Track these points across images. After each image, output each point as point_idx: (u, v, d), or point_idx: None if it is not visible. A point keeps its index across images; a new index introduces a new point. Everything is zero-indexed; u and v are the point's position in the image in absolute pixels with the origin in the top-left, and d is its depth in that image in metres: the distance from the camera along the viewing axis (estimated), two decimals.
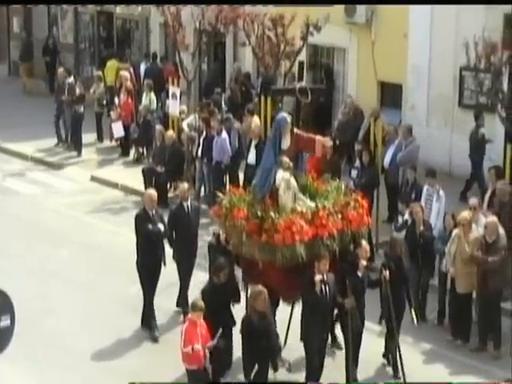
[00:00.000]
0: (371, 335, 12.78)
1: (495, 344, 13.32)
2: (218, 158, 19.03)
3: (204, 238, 14.99)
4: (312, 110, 22.19)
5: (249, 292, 12.12)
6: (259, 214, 12.03)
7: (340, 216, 12.24)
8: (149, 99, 22.71)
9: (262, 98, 20.75)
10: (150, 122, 21.87)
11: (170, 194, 20.03)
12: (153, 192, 14.25)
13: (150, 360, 13.29)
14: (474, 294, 13.65)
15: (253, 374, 11.27)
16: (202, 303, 11.59)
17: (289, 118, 12.70)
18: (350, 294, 12.02)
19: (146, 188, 20.13)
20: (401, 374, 12.44)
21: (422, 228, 14.11)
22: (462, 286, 13.54)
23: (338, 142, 19.22)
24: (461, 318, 13.39)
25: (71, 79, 23.61)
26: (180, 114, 20.92)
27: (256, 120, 20.29)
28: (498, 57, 15.00)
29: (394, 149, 18.00)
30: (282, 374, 11.94)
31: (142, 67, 25.76)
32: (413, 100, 20.86)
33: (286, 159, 12.38)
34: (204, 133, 19.37)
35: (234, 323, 12.30)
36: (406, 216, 14.99)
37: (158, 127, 20.73)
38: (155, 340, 13.76)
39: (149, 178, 20.11)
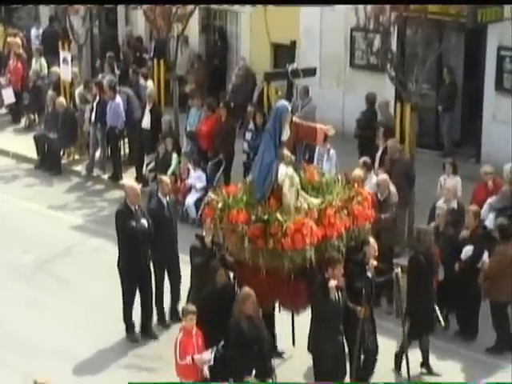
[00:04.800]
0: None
1: (388, 299, 13.60)
2: (112, 122, 18.81)
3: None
4: (206, 72, 22.17)
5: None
6: (264, 217, 10.78)
7: (346, 212, 11.21)
8: (39, 64, 22.25)
9: (156, 61, 20.58)
10: (40, 87, 21.44)
11: (63, 161, 19.78)
12: (136, 185, 13.15)
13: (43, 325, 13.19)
14: None
15: None
16: (193, 307, 10.76)
17: (289, 106, 11.54)
18: (365, 303, 11.05)
19: (38, 155, 19.87)
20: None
21: None
22: None
23: (232, 105, 19.21)
24: None
25: None
26: (72, 79, 20.60)
27: (150, 84, 20.12)
28: (387, 17, 15.14)
29: None
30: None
31: (33, 32, 25.16)
32: (305, 61, 20.95)
33: (287, 152, 11.25)
34: (97, 98, 19.09)
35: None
36: None
37: (50, 93, 20.34)
38: (136, 340, 12.78)
39: (41, 144, 19.78)
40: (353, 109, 19.22)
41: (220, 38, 22.72)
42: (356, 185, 12.03)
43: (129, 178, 18.62)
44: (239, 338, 10.44)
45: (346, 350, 11.23)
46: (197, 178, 16.87)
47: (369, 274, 11.23)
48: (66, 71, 20.59)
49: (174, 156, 17.21)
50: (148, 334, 12.91)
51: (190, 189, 16.83)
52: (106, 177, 19.04)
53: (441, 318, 12.29)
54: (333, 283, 10.65)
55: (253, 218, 10.86)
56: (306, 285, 10.94)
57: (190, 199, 16.66)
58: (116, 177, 18.86)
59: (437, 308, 12.10)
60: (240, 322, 10.46)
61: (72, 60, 20.59)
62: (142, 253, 12.62)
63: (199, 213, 15.87)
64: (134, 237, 12.47)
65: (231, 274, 11.66)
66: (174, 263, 13.12)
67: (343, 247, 11.05)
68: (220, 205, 11.25)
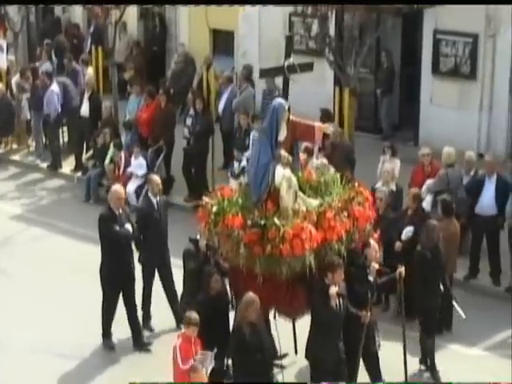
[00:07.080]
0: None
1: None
2: (47, 111, 18.61)
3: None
4: (145, 59, 22.05)
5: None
6: (261, 222, 10.25)
7: (346, 214, 10.65)
8: None
9: (94, 48, 20.39)
10: None
11: (0, 151, 19.52)
12: (119, 189, 12.25)
13: None
14: None
15: None
16: (196, 317, 10.19)
17: (287, 105, 10.92)
18: (369, 307, 10.65)
19: None
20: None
21: None
22: None
23: (172, 91, 19.13)
24: None
25: None
26: (8, 67, 20.33)
27: (89, 71, 19.92)
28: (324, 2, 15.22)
29: (227, 95, 18.11)
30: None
31: None
32: (245, 47, 20.96)
33: (284, 153, 10.66)
34: (33, 86, 18.87)
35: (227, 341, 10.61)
36: (244, 163, 15.13)
37: None
38: (112, 348, 12.24)
39: None
40: (293, 94, 19.25)
41: (159, 24, 22.62)
42: (356, 184, 11.49)
43: (68, 167, 18.52)
44: (241, 345, 10.03)
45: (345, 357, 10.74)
46: (137, 165, 16.78)
47: (370, 278, 10.82)
48: (1, 59, 20.28)
49: (112, 145, 17.07)
50: (139, 344, 12.25)
51: (130, 177, 16.75)
52: (44, 165, 18.84)
53: (461, 312, 12.05)
54: (334, 290, 10.22)
55: (249, 222, 10.33)
56: (305, 291, 10.50)
57: (131, 186, 16.56)
58: (55, 166, 18.68)
59: (454, 302, 11.93)
60: (242, 328, 10.03)
61: (8, 48, 20.30)
62: (125, 259, 12.04)
63: None
64: (117, 242, 11.91)
65: (226, 281, 11.24)
66: (165, 265, 12.61)
67: (344, 251, 10.54)
68: (214, 208, 10.66)
